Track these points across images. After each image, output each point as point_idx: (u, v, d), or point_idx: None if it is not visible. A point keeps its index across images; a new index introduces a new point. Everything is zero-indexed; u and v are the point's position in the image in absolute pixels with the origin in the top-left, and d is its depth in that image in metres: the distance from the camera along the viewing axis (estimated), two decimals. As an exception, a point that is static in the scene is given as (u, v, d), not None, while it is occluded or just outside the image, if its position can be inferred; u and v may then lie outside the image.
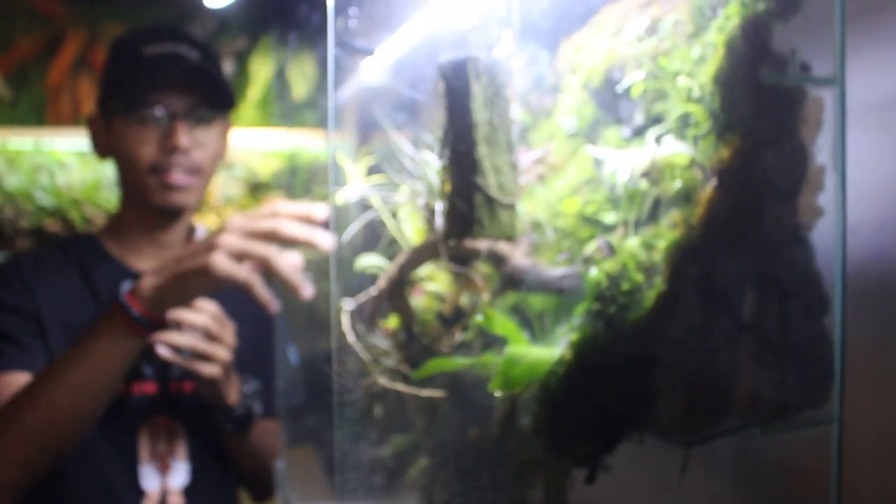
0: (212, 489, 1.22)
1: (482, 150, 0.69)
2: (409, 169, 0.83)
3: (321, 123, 1.03)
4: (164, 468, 1.19)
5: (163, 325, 0.99)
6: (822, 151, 0.83)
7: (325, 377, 0.90)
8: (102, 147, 1.25)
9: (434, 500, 0.80)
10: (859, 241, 1.12)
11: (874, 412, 1.00)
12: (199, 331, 1.06)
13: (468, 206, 0.68)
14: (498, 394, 0.72)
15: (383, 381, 0.82)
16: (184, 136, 1.16)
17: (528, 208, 0.84)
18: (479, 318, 0.72)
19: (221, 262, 0.88)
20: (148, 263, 1.22)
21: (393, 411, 0.85)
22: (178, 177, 1.18)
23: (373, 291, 0.87)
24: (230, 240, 0.88)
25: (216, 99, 1.24)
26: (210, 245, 0.89)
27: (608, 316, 0.71)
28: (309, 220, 0.85)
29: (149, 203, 1.21)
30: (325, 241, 0.81)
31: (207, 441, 1.21)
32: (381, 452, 0.95)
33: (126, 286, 1.02)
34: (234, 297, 1.25)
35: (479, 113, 0.69)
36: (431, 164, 0.79)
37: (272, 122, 2.60)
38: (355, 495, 0.90)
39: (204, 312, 1.07)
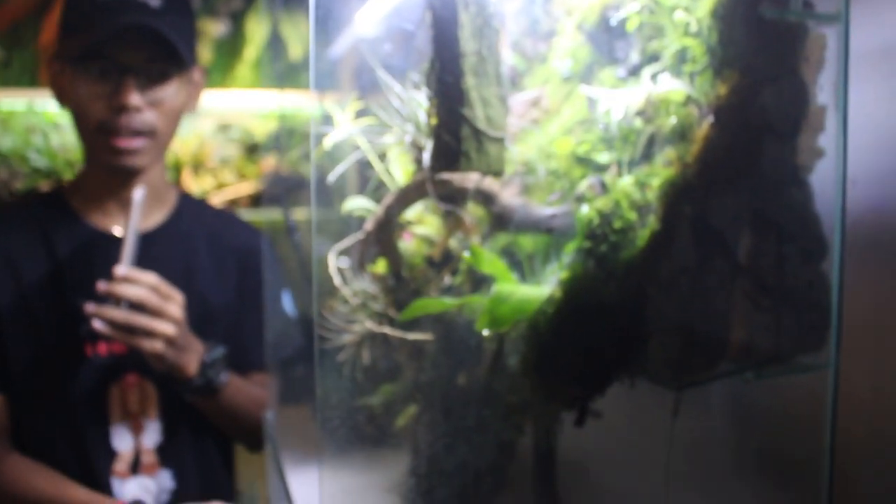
0: (186, 447, 1.19)
1: (470, 82, 0.66)
2: (399, 109, 0.80)
3: (319, 85, 1.00)
4: (136, 427, 1.17)
5: None
6: (823, 91, 0.81)
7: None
8: (59, 95, 1.19)
9: (419, 442, 0.78)
10: (859, 192, 1.10)
11: (871, 361, 0.98)
12: (138, 304, 1.02)
13: (455, 138, 0.66)
14: (485, 333, 0.70)
15: (370, 325, 0.80)
16: (134, 95, 1.09)
17: (521, 151, 0.82)
18: (466, 254, 0.70)
19: None
20: (113, 221, 1.18)
21: (381, 357, 0.84)
22: (126, 140, 1.12)
23: (360, 235, 0.85)
24: None
25: (172, 53, 1.15)
26: None
27: (599, 254, 0.69)
28: None
29: (99, 162, 1.16)
30: None
31: (180, 400, 1.18)
32: (371, 401, 0.93)
33: None
34: (213, 253, 1.22)
35: (467, 43, 0.67)
36: (420, 102, 0.77)
37: (268, 83, 2.57)
38: (341, 443, 0.88)
39: (142, 285, 1.02)
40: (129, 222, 1.05)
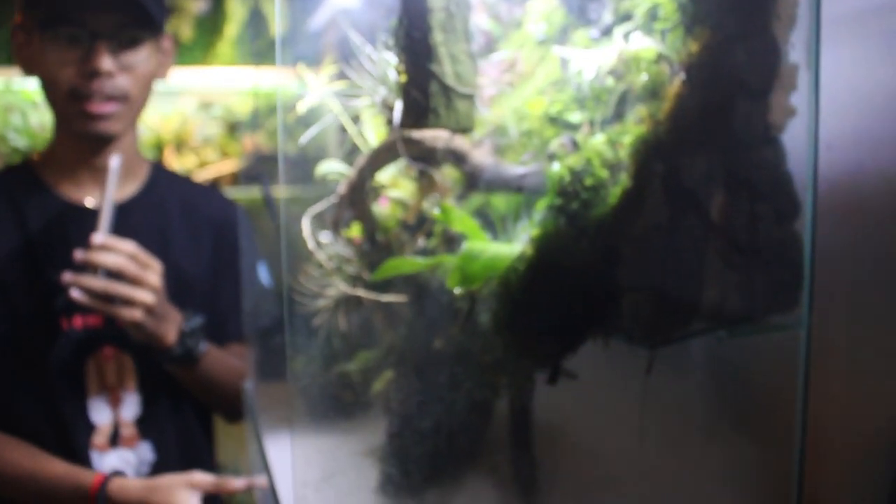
0: (166, 419, 1.19)
1: (437, 37, 0.66)
2: (371, 71, 0.80)
3: (299, 60, 1.00)
4: (114, 401, 1.16)
5: None
6: (794, 49, 0.81)
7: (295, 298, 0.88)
8: (25, 64, 1.16)
9: (393, 403, 0.78)
10: (835, 155, 1.10)
11: (844, 324, 0.99)
12: (116, 272, 1.01)
13: (423, 95, 0.65)
14: (456, 291, 0.70)
15: (344, 287, 0.80)
16: (106, 60, 1.07)
17: (495, 114, 0.81)
18: (436, 211, 0.70)
19: None
20: (85, 192, 1.16)
21: (356, 321, 0.84)
22: (99, 105, 1.10)
23: (333, 198, 0.84)
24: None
25: (143, 18, 1.13)
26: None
27: (571, 212, 0.69)
28: None
29: (71, 131, 1.14)
30: None
31: (158, 371, 1.17)
32: (348, 367, 0.93)
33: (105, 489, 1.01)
34: (187, 224, 1.21)
35: (436, -2, 0.66)
36: (391, 62, 0.76)
37: (249, 61, 2.55)
38: (319, 410, 0.88)
39: (120, 253, 1.01)
40: (106, 190, 1.04)
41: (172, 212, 1.23)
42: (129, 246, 1.02)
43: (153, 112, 2.55)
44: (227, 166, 2.49)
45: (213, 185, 1.40)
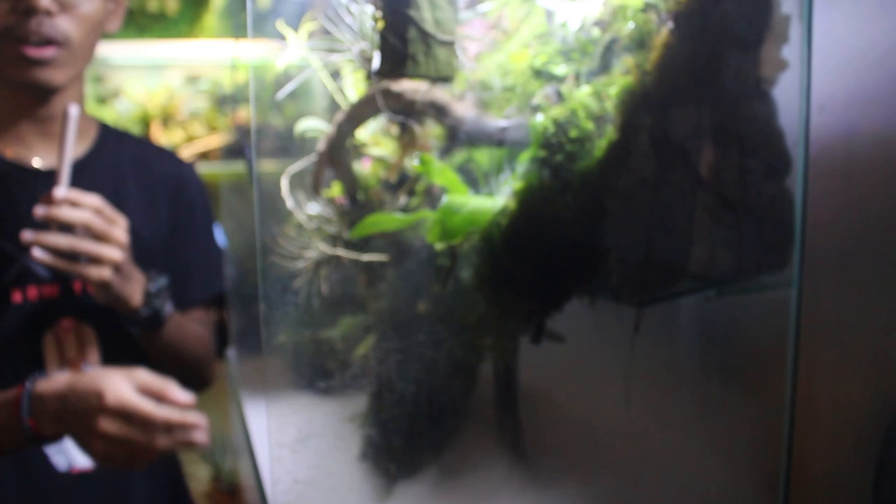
0: None
1: (416, -19, 0.63)
2: (350, 24, 0.77)
3: (283, 27, 0.97)
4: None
5: (52, 439, 0.91)
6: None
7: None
8: None
9: (370, 358, 0.76)
10: (827, 117, 1.08)
11: (834, 285, 0.97)
12: (81, 229, 0.94)
13: (401, 41, 0.63)
14: (437, 246, 0.68)
15: (324, 247, 0.78)
16: None
17: (479, 70, 0.79)
18: (415, 163, 0.67)
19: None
20: (32, 152, 1.09)
21: (336, 282, 0.82)
22: (36, 48, 1.00)
23: (313, 157, 0.82)
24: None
25: None
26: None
27: (555, 164, 0.67)
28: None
29: (9, 80, 1.04)
30: None
31: (120, 342, 1.10)
32: (330, 334, 0.91)
33: (29, 390, 0.91)
34: (141, 184, 1.16)
35: (414, -58, 0.64)
36: (370, 12, 0.74)
37: (237, 33, 2.51)
38: (299, 376, 0.86)
39: (85, 207, 0.95)
40: (65, 141, 0.96)
41: (125, 172, 1.16)
42: (94, 199, 0.95)
43: (139, 86, 2.51)
44: (215, 141, 2.46)
45: (165, 146, 1.32)
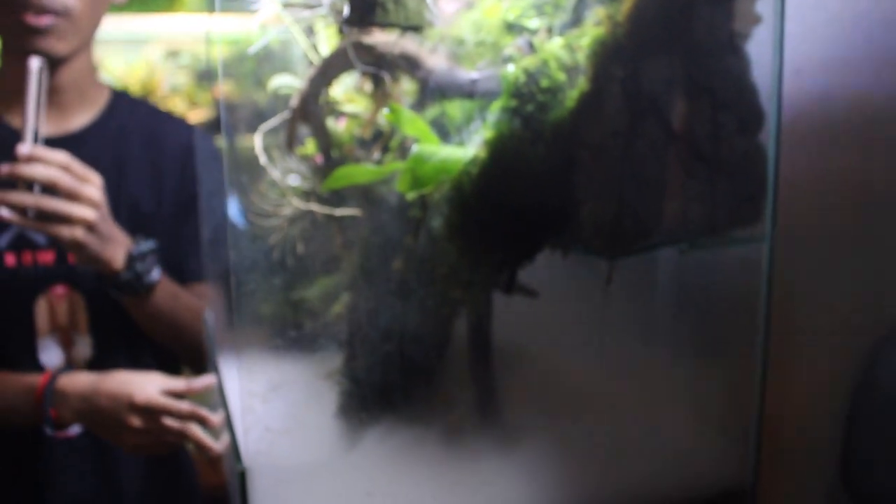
0: (121, 363, 1.12)
1: (385, -73, 0.63)
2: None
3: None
4: (65, 342, 1.11)
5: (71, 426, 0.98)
6: (760, -48, 0.78)
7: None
8: None
9: (344, 311, 0.76)
10: (803, 81, 1.08)
11: (808, 245, 0.98)
12: (48, 186, 0.94)
13: (371, -12, 0.63)
14: (409, 196, 0.68)
15: (298, 202, 0.78)
16: None
17: (454, 27, 0.79)
18: (385, 112, 0.67)
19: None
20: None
21: (310, 239, 0.81)
22: (35, 16, 1.01)
23: (286, 113, 0.82)
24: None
25: None
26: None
27: (526, 114, 0.67)
28: None
29: (12, 50, 1.05)
30: None
31: (112, 312, 1.12)
32: (306, 294, 0.91)
33: (52, 384, 0.96)
34: (149, 155, 1.16)
35: None
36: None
37: (211, 7, 2.48)
38: (276, 336, 0.86)
39: (51, 164, 0.94)
40: (27, 96, 0.96)
41: (132, 142, 1.17)
42: (60, 156, 0.94)
43: (119, 61, 2.49)
44: (196, 116, 2.45)
45: (181, 116, 1.31)
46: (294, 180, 0.81)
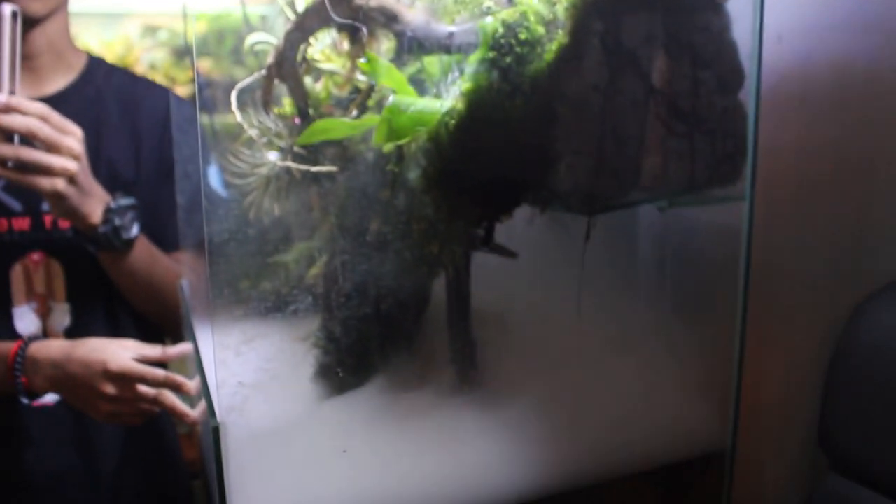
0: (99, 331, 1.11)
1: None
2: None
3: None
4: (43, 310, 1.09)
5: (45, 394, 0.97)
6: None
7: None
8: None
9: (314, 257, 0.76)
10: (784, 47, 1.08)
11: (789, 209, 0.98)
12: (28, 136, 0.91)
13: (346, -66, 0.61)
14: (385, 148, 0.67)
15: (275, 158, 0.77)
16: None
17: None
18: (361, 61, 0.66)
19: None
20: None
21: (285, 197, 0.80)
22: None
23: (262, 71, 0.80)
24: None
25: None
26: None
27: (504, 66, 0.66)
28: None
29: None
30: None
31: (91, 279, 1.11)
32: (284, 258, 0.90)
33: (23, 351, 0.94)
34: (127, 121, 1.14)
35: None
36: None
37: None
38: (254, 300, 0.85)
39: (29, 114, 0.92)
40: (0, 46, 0.93)
41: (110, 107, 1.15)
42: (38, 106, 0.92)
43: (95, 37, 2.45)
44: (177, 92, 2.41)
45: (159, 82, 1.28)
46: (271, 137, 0.80)
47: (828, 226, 0.96)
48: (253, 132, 0.81)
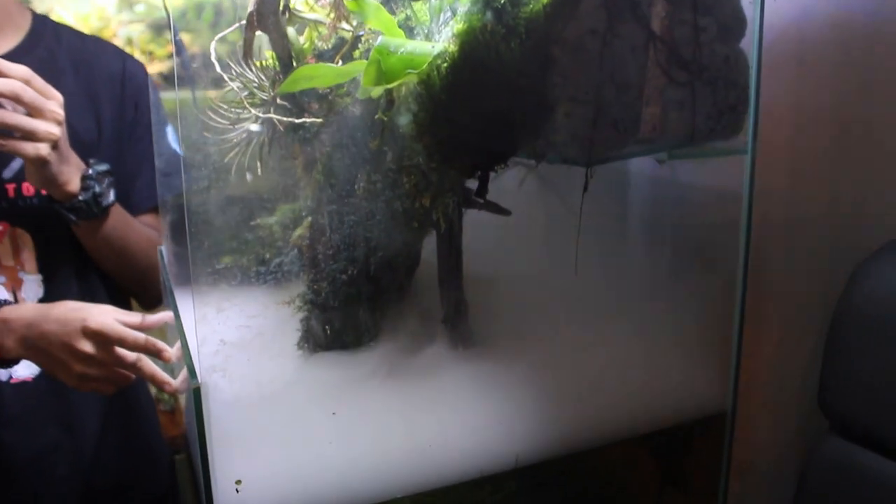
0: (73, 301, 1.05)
1: None
2: None
3: None
4: (13, 283, 1.04)
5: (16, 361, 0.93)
6: None
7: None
8: None
9: (301, 209, 0.72)
10: (781, 4, 1.05)
11: (786, 159, 0.95)
12: (12, 100, 0.86)
13: None
14: (374, 93, 0.63)
15: (257, 112, 0.73)
16: None
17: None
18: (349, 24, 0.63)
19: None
20: None
21: (269, 155, 0.77)
22: None
23: (243, 22, 0.76)
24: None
25: None
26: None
27: (498, 7, 0.63)
28: None
29: None
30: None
31: (62, 249, 1.05)
32: (268, 220, 0.87)
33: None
34: (81, 81, 1.08)
35: None
36: None
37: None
38: (241, 264, 0.81)
39: (12, 75, 0.87)
40: None
41: (62, 67, 1.08)
42: (21, 69, 0.87)
43: (69, 11, 2.38)
44: (153, 68, 2.36)
45: (108, 41, 1.20)
46: (252, 89, 0.76)
47: (826, 184, 0.93)
48: (234, 84, 0.77)
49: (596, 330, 0.79)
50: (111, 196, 1.00)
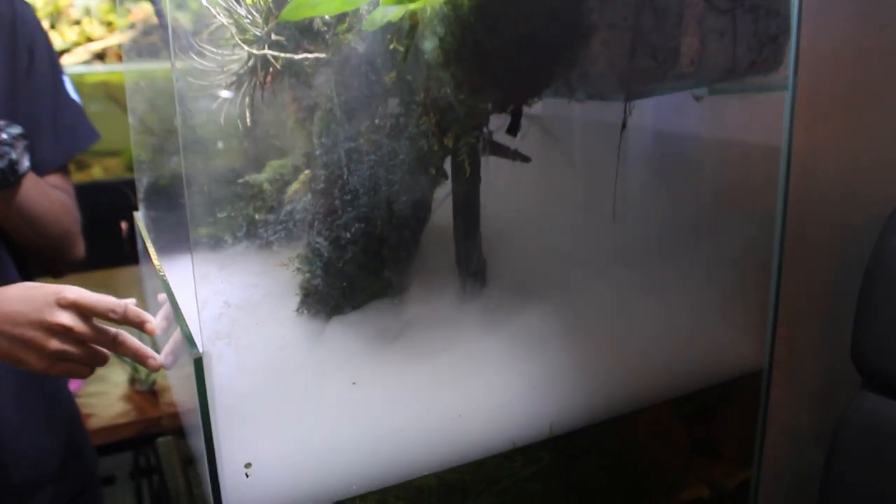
0: None
1: None
2: None
3: None
4: None
5: None
6: None
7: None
8: None
9: (298, 168, 0.65)
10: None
11: (833, 101, 0.89)
12: None
13: None
14: (393, 16, 0.55)
15: (252, 49, 0.65)
16: None
17: None
18: None
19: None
20: None
21: (262, 102, 0.69)
22: None
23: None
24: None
25: None
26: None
27: (531, -82, 0.55)
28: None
29: None
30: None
31: None
32: (258, 178, 0.79)
33: None
34: None
35: None
36: None
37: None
38: (232, 224, 0.73)
39: None
40: None
41: None
42: None
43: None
44: (114, 39, 2.24)
45: None
46: (244, 25, 0.68)
47: (874, 132, 0.87)
48: (222, 19, 0.69)
49: (631, 283, 0.73)
50: (26, 162, 0.90)
